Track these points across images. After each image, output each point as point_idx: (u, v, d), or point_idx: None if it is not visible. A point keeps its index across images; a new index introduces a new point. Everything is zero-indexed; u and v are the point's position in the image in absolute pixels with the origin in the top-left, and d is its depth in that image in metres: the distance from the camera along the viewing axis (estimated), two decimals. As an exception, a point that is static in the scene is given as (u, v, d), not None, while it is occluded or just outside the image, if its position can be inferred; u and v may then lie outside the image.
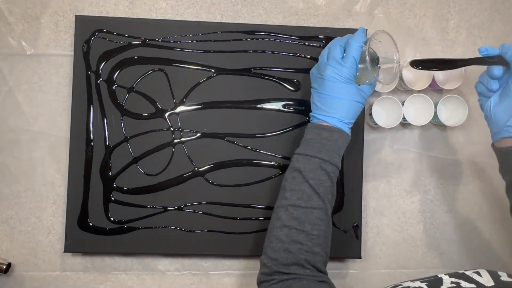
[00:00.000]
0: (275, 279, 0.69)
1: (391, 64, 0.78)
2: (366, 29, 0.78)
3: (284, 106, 0.89)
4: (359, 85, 0.76)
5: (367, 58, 0.74)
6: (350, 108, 0.75)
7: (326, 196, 0.73)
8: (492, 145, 0.77)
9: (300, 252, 0.69)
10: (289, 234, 0.70)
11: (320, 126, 0.75)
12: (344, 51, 0.75)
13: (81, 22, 0.88)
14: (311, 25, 0.92)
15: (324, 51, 0.77)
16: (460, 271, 0.63)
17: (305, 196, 0.72)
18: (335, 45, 0.76)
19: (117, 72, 0.87)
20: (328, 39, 0.90)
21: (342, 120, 0.75)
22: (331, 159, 0.73)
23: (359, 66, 0.75)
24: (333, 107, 0.74)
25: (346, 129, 0.75)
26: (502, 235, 0.94)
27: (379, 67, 0.78)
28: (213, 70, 0.89)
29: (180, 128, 0.88)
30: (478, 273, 0.61)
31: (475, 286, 0.58)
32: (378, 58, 0.77)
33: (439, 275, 0.63)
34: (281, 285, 0.68)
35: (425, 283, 0.62)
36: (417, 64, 0.79)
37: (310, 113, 0.78)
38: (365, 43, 0.75)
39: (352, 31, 0.90)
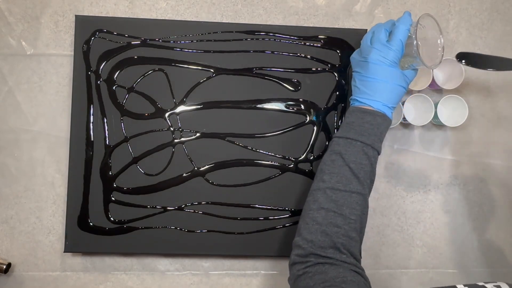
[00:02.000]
0: (310, 261, 0.67)
1: (434, 49, 0.77)
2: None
3: (286, 106, 0.89)
4: (401, 69, 0.76)
5: (415, 41, 0.73)
6: (394, 92, 0.74)
7: (365, 181, 0.72)
8: None
9: (337, 235, 0.68)
10: (326, 217, 0.69)
11: (362, 109, 0.74)
12: (389, 35, 0.75)
13: (81, 22, 0.88)
14: (311, 25, 0.92)
15: (367, 35, 0.77)
16: (480, 283, 0.62)
17: (345, 179, 0.71)
18: (380, 28, 0.75)
19: (117, 72, 0.87)
20: (328, 39, 0.90)
21: (385, 104, 0.74)
22: (373, 143, 0.73)
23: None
24: (377, 91, 0.74)
25: (389, 113, 0.75)
26: (502, 235, 0.94)
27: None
28: (213, 70, 0.89)
29: (180, 128, 0.88)
30: (499, 287, 0.60)
31: None
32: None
33: (458, 286, 0.62)
34: (316, 268, 0.67)
35: None
36: (462, 57, 0.77)
37: (351, 97, 0.77)
38: (412, 26, 0.74)
39: (352, 31, 0.91)
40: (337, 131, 0.75)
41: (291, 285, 0.70)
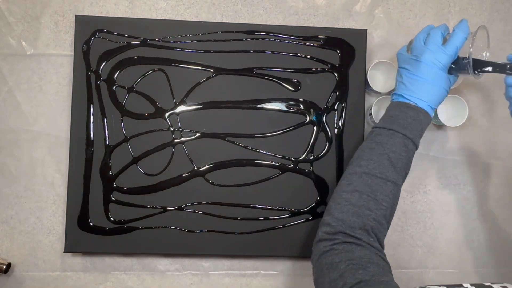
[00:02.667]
0: (338, 239, 0.68)
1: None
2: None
3: (287, 106, 0.89)
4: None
5: (470, 50, 0.73)
6: (439, 94, 0.76)
7: (401, 172, 0.73)
8: None
9: (368, 218, 0.69)
10: (360, 199, 0.70)
11: (406, 104, 0.75)
12: (444, 39, 0.76)
13: (81, 22, 0.88)
14: (311, 25, 0.92)
15: (421, 35, 0.77)
16: (487, 283, 0.62)
17: (382, 167, 0.72)
18: (436, 31, 0.76)
19: (117, 72, 0.87)
20: (328, 39, 0.90)
21: (429, 104, 0.75)
22: (414, 137, 0.74)
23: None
24: (424, 90, 0.75)
25: (431, 113, 0.76)
26: (502, 235, 0.93)
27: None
28: (213, 70, 0.89)
29: (180, 128, 0.88)
30: None
31: None
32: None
33: (464, 285, 0.62)
34: (344, 246, 0.67)
35: None
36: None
37: (394, 92, 0.78)
38: (469, 36, 0.75)
39: (352, 31, 0.91)
40: (376, 122, 0.77)
41: (314, 263, 0.71)
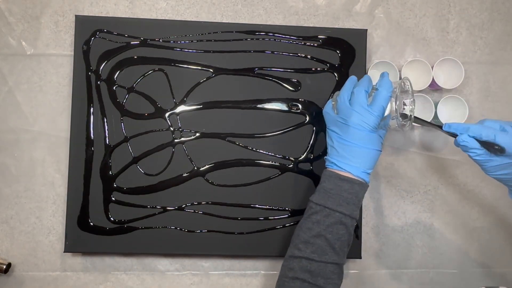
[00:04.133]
0: None
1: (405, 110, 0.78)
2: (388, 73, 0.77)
3: (289, 106, 0.89)
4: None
5: (395, 108, 0.74)
6: (373, 157, 0.73)
7: (342, 250, 0.72)
8: None
9: None
10: (301, 287, 0.70)
11: (340, 176, 0.73)
12: (369, 97, 0.74)
13: (81, 22, 0.88)
14: (311, 25, 0.92)
15: (344, 93, 0.75)
16: None
17: (320, 250, 0.71)
18: (360, 89, 0.73)
19: (117, 72, 0.87)
20: (328, 39, 0.90)
21: (364, 170, 0.73)
22: (351, 213, 0.72)
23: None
24: (357, 156, 0.72)
25: (367, 178, 0.74)
26: (502, 235, 0.94)
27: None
28: (212, 70, 0.89)
29: (180, 128, 0.88)
30: None
31: None
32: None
33: None
34: None
35: None
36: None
37: (327, 157, 0.76)
38: (393, 91, 0.74)
39: (352, 31, 0.91)
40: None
41: None
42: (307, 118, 0.89)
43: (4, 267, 0.85)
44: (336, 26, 0.93)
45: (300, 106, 0.89)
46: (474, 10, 0.95)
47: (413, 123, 0.77)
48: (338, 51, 0.90)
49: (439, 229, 0.93)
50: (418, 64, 0.89)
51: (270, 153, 0.89)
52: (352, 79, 0.77)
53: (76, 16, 0.88)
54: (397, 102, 0.74)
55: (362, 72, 0.90)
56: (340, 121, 0.74)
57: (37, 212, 0.88)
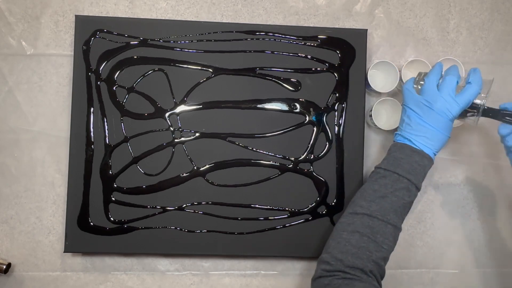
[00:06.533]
0: (338, 275, 0.69)
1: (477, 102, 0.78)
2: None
3: (290, 106, 0.89)
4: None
5: (481, 106, 0.75)
6: (444, 141, 0.76)
7: (402, 215, 0.74)
8: None
9: (368, 260, 0.70)
10: (360, 240, 0.71)
11: (412, 148, 0.75)
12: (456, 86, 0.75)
13: (81, 22, 0.88)
14: (311, 25, 0.92)
15: (433, 78, 0.76)
16: None
17: (383, 210, 0.73)
18: (453, 79, 0.75)
19: (117, 72, 0.87)
20: (328, 39, 0.89)
21: (433, 150, 0.76)
22: (417, 183, 0.75)
23: None
24: (432, 139, 0.75)
25: (434, 158, 0.76)
26: (502, 235, 0.93)
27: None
28: (212, 70, 0.88)
29: (180, 128, 0.88)
30: None
31: None
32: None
33: None
34: (343, 281, 0.68)
35: None
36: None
37: (399, 133, 0.78)
38: (482, 90, 0.76)
39: (352, 31, 0.90)
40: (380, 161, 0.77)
41: None
42: (307, 118, 0.89)
43: (4, 267, 0.85)
44: (336, 26, 0.93)
45: (297, 106, 0.89)
46: (474, 10, 0.95)
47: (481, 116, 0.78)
48: (338, 51, 0.90)
49: (439, 229, 0.93)
50: (418, 64, 0.89)
51: (270, 153, 0.89)
52: (440, 64, 0.79)
53: (76, 16, 0.88)
54: (484, 101, 0.76)
55: (362, 72, 0.90)
56: (424, 103, 0.75)
57: (37, 212, 0.88)
